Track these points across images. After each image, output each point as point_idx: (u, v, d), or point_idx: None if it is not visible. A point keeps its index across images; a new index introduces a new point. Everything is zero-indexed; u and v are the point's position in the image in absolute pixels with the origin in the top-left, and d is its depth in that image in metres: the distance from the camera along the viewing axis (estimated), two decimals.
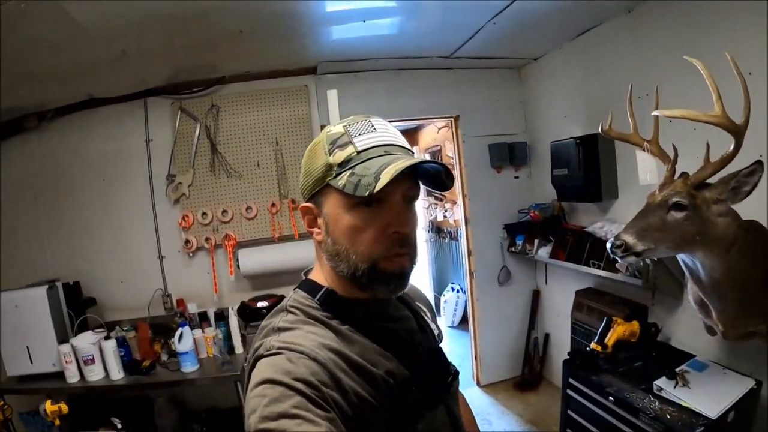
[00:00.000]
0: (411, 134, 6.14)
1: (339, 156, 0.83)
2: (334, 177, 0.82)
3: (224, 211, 3.34)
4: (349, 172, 0.81)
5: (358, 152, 0.82)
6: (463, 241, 4.11)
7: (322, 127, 3.38)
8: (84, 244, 3.30)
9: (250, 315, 3.10)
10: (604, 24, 2.87)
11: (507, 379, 4.06)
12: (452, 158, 4.92)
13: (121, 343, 2.84)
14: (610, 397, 2.09)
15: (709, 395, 1.90)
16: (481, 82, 3.83)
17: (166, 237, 3.37)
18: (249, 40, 2.66)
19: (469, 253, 3.98)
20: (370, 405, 0.79)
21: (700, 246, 1.64)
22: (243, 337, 3.01)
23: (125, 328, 2.98)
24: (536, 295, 4.03)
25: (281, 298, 3.15)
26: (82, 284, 3.21)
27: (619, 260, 1.71)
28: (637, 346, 2.43)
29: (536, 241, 3.60)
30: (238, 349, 2.97)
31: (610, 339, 2.40)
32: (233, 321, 2.97)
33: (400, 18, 2.69)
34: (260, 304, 3.13)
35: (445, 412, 0.91)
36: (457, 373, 0.97)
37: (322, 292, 0.89)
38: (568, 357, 2.50)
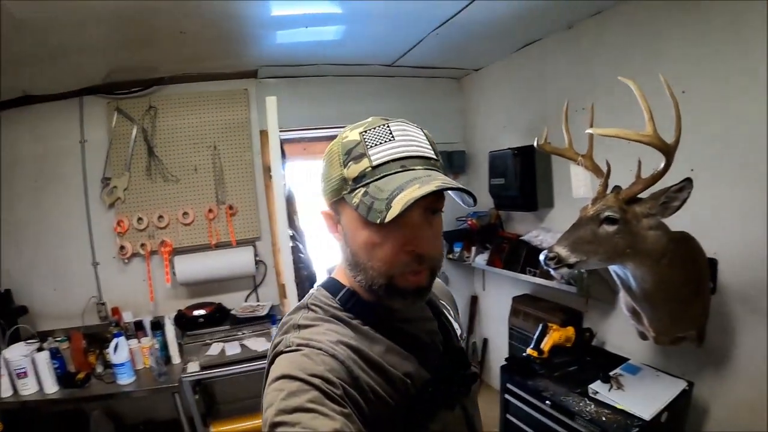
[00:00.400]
0: None
1: (353, 170, 0.79)
2: (349, 192, 0.79)
3: (160, 217, 3.20)
4: (362, 190, 0.77)
5: (373, 167, 0.78)
6: None
7: (262, 132, 3.29)
8: (14, 249, 3.08)
9: (187, 324, 2.99)
10: (546, 39, 2.98)
11: None
12: None
13: (55, 354, 2.67)
14: (547, 401, 2.14)
15: (643, 397, 1.99)
16: (422, 91, 3.88)
17: (101, 243, 3.21)
18: (190, 42, 2.56)
19: None
20: (387, 404, 0.79)
21: (630, 258, 1.72)
22: (180, 346, 2.90)
23: (58, 339, 2.81)
24: (474, 301, 4.11)
25: (219, 306, 3.19)
26: (12, 292, 3.01)
27: (552, 272, 1.76)
28: (572, 351, 2.52)
29: (474, 249, 3.67)
30: (175, 359, 2.85)
31: (546, 344, 2.47)
32: (170, 330, 2.86)
33: (345, 26, 2.66)
34: (197, 313, 3.02)
35: (462, 413, 0.91)
36: (476, 375, 0.96)
37: (343, 292, 0.89)
38: (505, 362, 2.56)
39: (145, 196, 3.19)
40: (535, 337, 2.53)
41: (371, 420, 0.75)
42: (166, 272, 3.19)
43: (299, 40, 2.77)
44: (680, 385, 2.07)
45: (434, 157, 0.83)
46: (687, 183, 1.60)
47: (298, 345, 0.78)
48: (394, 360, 0.83)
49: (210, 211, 3.25)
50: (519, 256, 3.22)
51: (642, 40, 2.35)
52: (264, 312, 3.07)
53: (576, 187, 2.33)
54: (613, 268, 1.85)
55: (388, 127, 0.81)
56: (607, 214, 1.69)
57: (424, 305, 0.96)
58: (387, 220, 0.72)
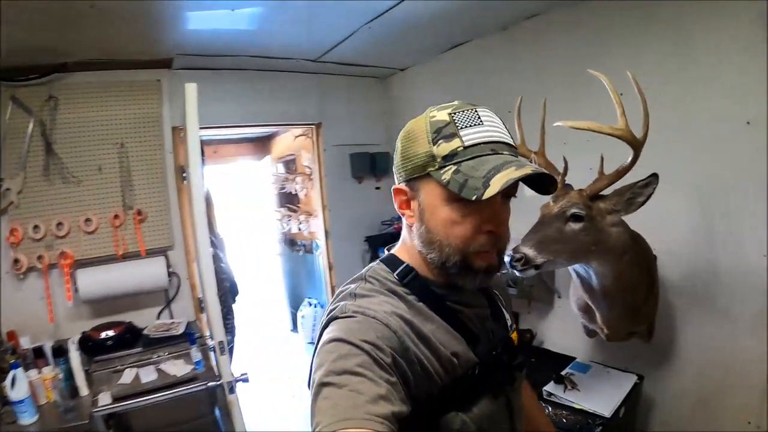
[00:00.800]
0: (263, 142, 5.78)
1: (444, 148, 0.80)
2: (437, 169, 0.81)
3: (60, 224, 2.72)
4: (453, 167, 0.79)
5: (465, 147, 0.80)
6: (322, 254, 3.92)
7: (174, 129, 2.93)
8: None
9: (94, 348, 2.54)
10: (479, 39, 2.96)
11: None
12: (309, 168, 4.72)
13: None
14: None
15: (599, 394, 1.99)
16: (346, 90, 3.73)
17: None
18: (98, 22, 2.16)
19: (330, 267, 3.82)
20: (433, 380, 0.80)
21: (595, 255, 1.69)
22: (88, 375, 2.40)
23: None
24: None
25: (129, 325, 2.76)
26: None
27: (518, 273, 1.69)
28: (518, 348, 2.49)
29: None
30: (83, 390, 2.35)
31: None
32: (75, 356, 2.35)
33: (268, 11, 2.40)
34: (105, 334, 2.59)
35: (505, 401, 0.91)
36: (523, 365, 0.98)
37: (402, 267, 0.90)
38: None
39: (42, 201, 2.70)
40: None
41: (416, 393, 0.77)
42: (68, 288, 2.72)
43: (219, 27, 2.48)
44: (632, 379, 2.10)
45: (514, 145, 0.85)
46: (653, 179, 1.60)
47: (353, 312, 0.81)
48: (444, 339, 0.84)
49: (116, 216, 2.81)
50: None
51: (578, 43, 2.41)
52: (180, 330, 2.70)
53: (527, 187, 2.31)
54: (575, 267, 1.83)
55: (476, 111, 0.83)
56: (573, 211, 1.64)
57: (478, 291, 0.97)
58: (485, 197, 0.74)
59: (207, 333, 2.76)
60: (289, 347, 5.42)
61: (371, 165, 3.79)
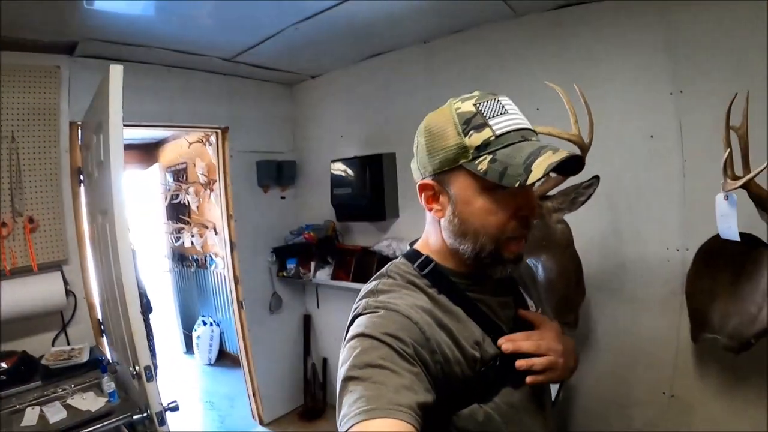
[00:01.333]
0: (150, 150, 5.28)
1: (476, 138, 0.81)
2: (471, 160, 0.81)
3: None
4: (489, 157, 0.80)
5: (497, 136, 0.80)
6: (227, 267, 3.68)
7: (72, 124, 2.56)
8: None
9: None
10: (399, 51, 3.04)
11: (290, 411, 3.81)
12: (204, 176, 4.43)
13: None
14: None
15: None
16: (255, 95, 3.57)
17: None
18: None
19: (236, 281, 3.60)
20: (454, 370, 0.81)
21: (544, 250, 1.85)
22: None
23: None
24: (308, 320, 3.91)
25: (23, 355, 2.32)
26: None
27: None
28: None
29: (313, 264, 3.49)
30: None
31: None
32: None
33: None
34: None
35: (529, 391, 0.90)
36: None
37: (422, 259, 0.92)
38: None
39: None
40: None
41: (439, 383, 0.78)
42: None
43: (129, 12, 2.22)
44: None
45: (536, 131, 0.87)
46: (595, 180, 1.80)
47: (375, 307, 0.82)
48: (465, 330, 0.85)
49: (3, 225, 2.32)
50: (368, 267, 3.19)
51: (495, 60, 2.63)
52: (84, 357, 2.31)
53: None
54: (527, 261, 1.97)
55: (498, 100, 0.84)
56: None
57: (501, 281, 0.97)
58: (530, 181, 0.75)
59: (111, 358, 2.43)
60: (185, 371, 4.98)
61: (278, 173, 3.67)
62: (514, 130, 0.81)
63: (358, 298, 0.90)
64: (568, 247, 1.90)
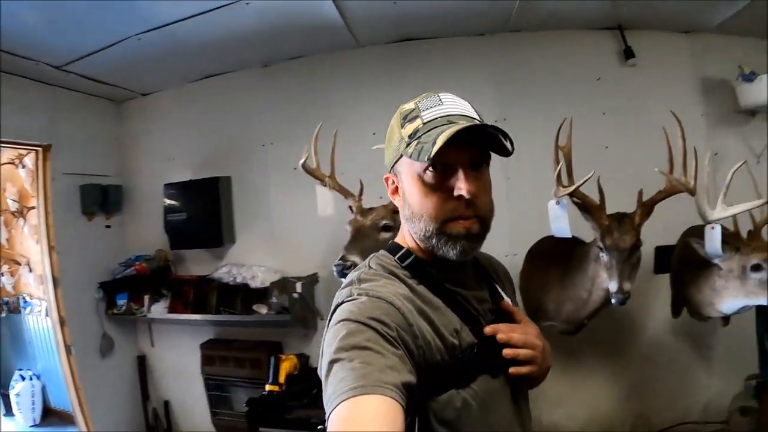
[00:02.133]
0: None
1: (409, 129, 0.89)
2: (405, 147, 0.88)
3: None
4: (416, 142, 0.87)
5: (424, 123, 0.88)
6: (51, 308, 3.22)
7: None
8: None
9: None
10: (237, 72, 3.03)
11: None
12: (16, 203, 3.91)
13: None
14: (319, 427, 2.12)
15: None
16: (81, 110, 3.24)
17: None
18: None
19: (62, 323, 3.14)
20: (435, 357, 0.84)
21: None
22: None
23: None
24: (142, 361, 3.55)
25: None
26: None
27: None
28: (302, 377, 2.60)
29: (146, 298, 3.24)
30: None
31: (282, 376, 2.50)
32: None
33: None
34: None
35: (505, 382, 0.92)
36: None
37: (403, 251, 0.95)
38: (247, 407, 2.43)
39: None
40: (271, 372, 2.53)
41: (420, 368, 0.80)
42: None
43: None
44: None
45: (478, 118, 0.92)
46: None
47: (358, 294, 0.85)
48: (444, 319, 0.88)
49: None
50: (208, 297, 3.05)
51: (336, 86, 2.82)
52: None
53: (321, 207, 2.45)
54: None
55: (438, 96, 0.92)
56: (384, 222, 1.98)
57: (476, 273, 1.02)
58: (433, 153, 0.80)
59: None
60: None
61: (103, 199, 3.32)
62: (441, 117, 0.88)
63: (340, 289, 0.92)
64: None
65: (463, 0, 2.45)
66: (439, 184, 0.88)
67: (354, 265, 1.81)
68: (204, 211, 3.04)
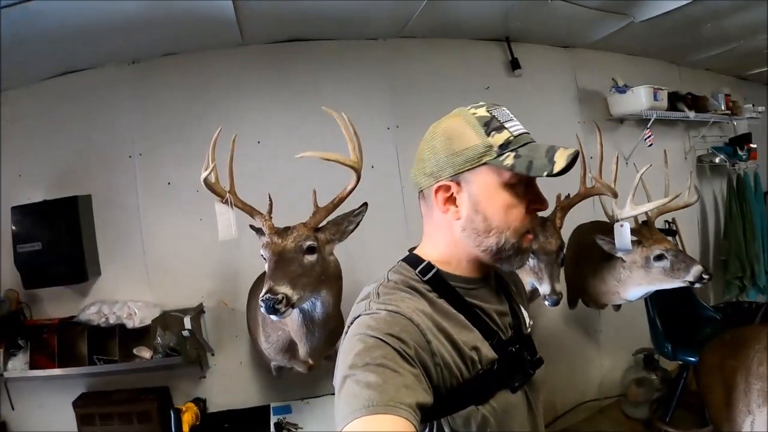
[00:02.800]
0: None
1: (498, 138, 0.87)
2: (496, 157, 0.86)
3: None
4: (512, 154, 0.85)
5: (515, 137, 0.87)
6: None
7: None
8: None
9: None
10: (99, 69, 2.49)
11: None
12: None
13: None
14: None
15: (324, 422, 2.06)
16: None
17: None
18: None
19: None
20: (454, 374, 0.82)
21: (324, 284, 1.75)
22: None
23: None
24: (2, 429, 2.73)
25: None
26: None
27: (277, 317, 1.56)
28: (204, 426, 2.28)
29: (1, 352, 2.50)
30: None
31: (185, 429, 2.12)
32: None
33: None
34: None
35: (524, 398, 0.92)
36: (541, 361, 0.97)
37: (424, 264, 0.92)
38: None
39: None
40: (173, 429, 2.14)
41: (438, 386, 0.80)
42: None
43: None
44: (331, 400, 2.19)
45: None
46: (364, 207, 1.79)
47: (377, 309, 0.82)
48: (464, 335, 0.86)
49: None
50: (76, 345, 2.48)
51: (218, 85, 2.51)
52: None
53: (222, 229, 2.02)
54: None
55: (503, 109, 0.91)
56: (308, 243, 1.67)
57: (498, 287, 1.01)
58: (555, 171, 0.82)
59: None
60: None
61: None
62: (523, 133, 0.89)
63: (356, 302, 0.91)
64: (339, 278, 1.85)
65: (360, 0, 2.33)
66: (522, 198, 0.89)
67: (285, 297, 1.54)
68: (62, 239, 2.44)
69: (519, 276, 1.18)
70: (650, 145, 3.23)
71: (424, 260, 0.94)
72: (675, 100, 3.41)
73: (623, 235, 2.16)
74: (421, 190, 0.96)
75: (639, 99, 3.14)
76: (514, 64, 3.02)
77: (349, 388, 0.72)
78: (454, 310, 0.89)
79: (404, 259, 0.97)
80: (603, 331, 3.17)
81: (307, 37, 2.66)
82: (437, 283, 0.91)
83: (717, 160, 3.95)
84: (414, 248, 1.01)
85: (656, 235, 2.24)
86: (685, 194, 2.33)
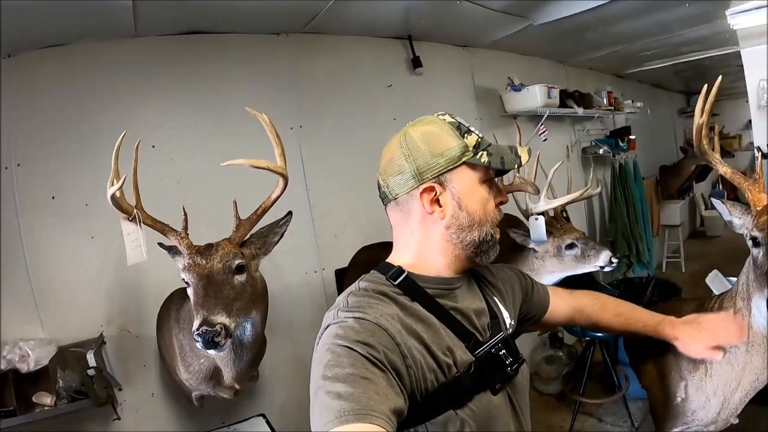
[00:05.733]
0: None
1: (471, 140, 0.95)
2: (473, 156, 0.94)
3: None
4: (485, 152, 0.94)
5: (481, 138, 0.96)
6: None
7: None
8: None
9: None
10: None
11: None
12: None
13: None
14: None
15: None
16: None
17: None
18: None
19: None
20: (427, 377, 0.83)
21: (255, 304, 1.63)
22: None
23: None
24: None
25: None
26: None
27: (215, 352, 1.44)
28: None
29: None
30: None
31: None
32: None
33: None
34: None
35: (506, 400, 0.93)
36: (522, 361, 0.96)
37: (394, 269, 0.93)
38: None
39: None
40: None
41: (412, 389, 0.80)
42: None
43: None
44: (261, 422, 2.13)
45: None
46: (289, 216, 1.68)
47: (345, 317, 0.83)
48: (437, 338, 0.87)
49: None
50: None
51: (105, 80, 2.26)
52: None
53: (131, 251, 1.72)
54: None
55: (459, 116, 1.00)
56: (237, 262, 1.53)
57: (474, 287, 1.03)
58: (523, 164, 0.99)
59: None
60: None
61: None
62: (484, 136, 0.98)
63: (327, 312, 0.90)
64: (264, 294, 1.72)
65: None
66: (492, 192, 0.98)
67: (223, 328, 1.39)
68: None
69: (515, 275, 1.19)
70: (545, 140, 3.45)
71: (394, 266, 0.95)
72: (564, 97, 3.66)
73: (538, 227, 2.27)
74: (395, 198, 0.96)
75: (534, 97, 3.33)
76: (416, 63, 3.04)
77: (321, 399, 0.72)
78: (427, 313, 0.89)
79: (375, 268, 0.97)
80: None
81: (206, 30, 2.44)
82: (408, 286, 0.92)
83: (601, 151, 4.32)
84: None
85: (565, 225, 2.38)
86: (590, 187, 2.50)
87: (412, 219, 0.96)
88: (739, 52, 3.45)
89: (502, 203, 1.00)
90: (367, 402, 0.70)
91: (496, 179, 1.02)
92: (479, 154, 0.94)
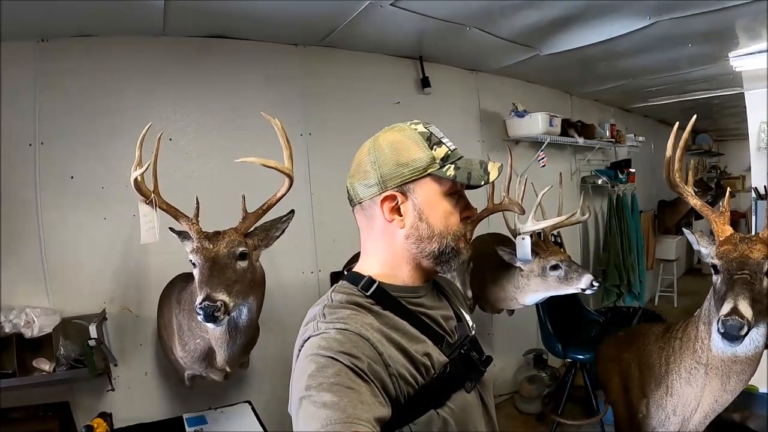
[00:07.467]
0: None
1: (440, 152, 0.95)
2: (439, 168, 0.94)
3: None
4: (453, 165, 0.94)
5: (452, 151, 0.97)
6: None
7: None
8: None
9: None
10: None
11: None
12: None
13: None
14: None
15: None
16: None
17: None
18: None
19: None
20: (409, 382, 0.85)
21: (252, 290, 1.76)
22: None
23: None
24: None
25: None
26: None
27: (214, 326, 1.60)
28: None
29: None
30: None
31: None
32: None
33: None
34: None
35: (477, 397, 0.97)
36: (490, 358, 1.00)
37: (364, 280, 0.94)
38: None
39: None
40: None
41: (396, 396, 0.82)
42: None
43: None
44: (247, 408, 2.22)
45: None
46: (291, 214, 1.81)
47: (325, 328, 0.84)
48: (414, 343, 0.89)
49: None
50: None
51: (131, 75, 2.41)
52: None
53: (145, 231, 1.87)
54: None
55: (435, 127, 1.00)
56: (241, 249, 1.68)
57: (439, 294, 1.06)
58: (491, 180, 0.96)
59: None
60: None
61: None
62: (456, 149, 0.98)
63: (303, 324, 0.90)
64: (263, 284, 1.86)
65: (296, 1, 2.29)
66: (457, 206, 0.98)
67: (223, 304, 1.54)
68: None
69: (455, 283, 1.26)
70: (543, 166, 3.57)
71: (364, 276, 0.95)
72: (567, 126, 3.78)
73: (525, 246, 2.37)
74: (360, 203, 0.98)
75: (536, 123, 3.45)
76: (425, 83, 3.18)
77: (306, 409, 0.73)
78: (401, 320, 0.91)
79: (345, 278, 0.98)
80: (496, 333, 3.43)
81: (228, 35, 2.61)
82: (380, 296, 0.93)
83: (600, 181, 4.44)
84: (351, 267, 1.03)
85: (551, 247, 2.48)
86: (578, 212, 2.61)
87: (375, 225, 0.98)
88: (743, 93, 3.54)
89: (468, 218, 1.01)
90: (352, 411, 0.71)
91: (466, 192, 1.02)
92: (446, 167, 0.94)
